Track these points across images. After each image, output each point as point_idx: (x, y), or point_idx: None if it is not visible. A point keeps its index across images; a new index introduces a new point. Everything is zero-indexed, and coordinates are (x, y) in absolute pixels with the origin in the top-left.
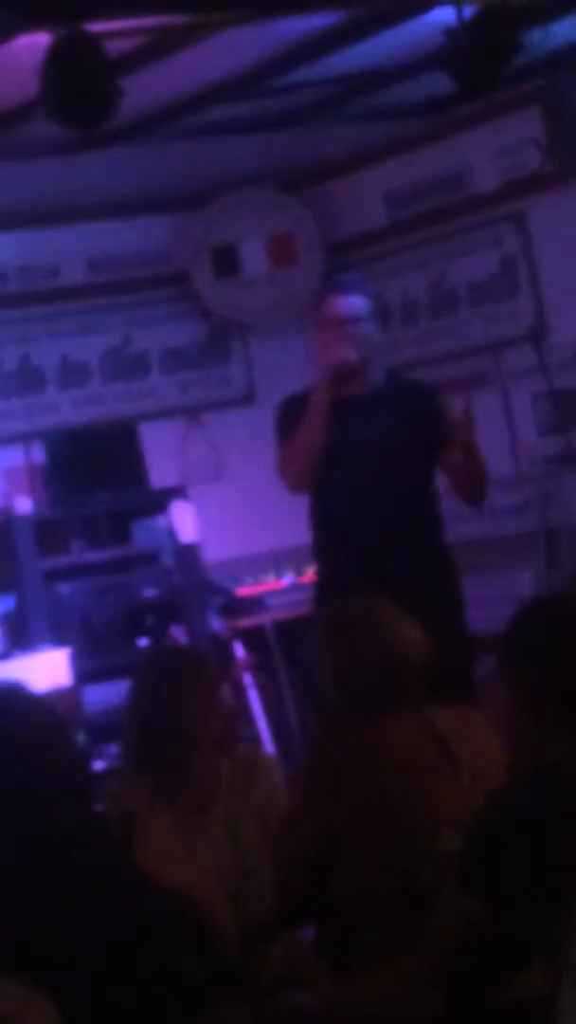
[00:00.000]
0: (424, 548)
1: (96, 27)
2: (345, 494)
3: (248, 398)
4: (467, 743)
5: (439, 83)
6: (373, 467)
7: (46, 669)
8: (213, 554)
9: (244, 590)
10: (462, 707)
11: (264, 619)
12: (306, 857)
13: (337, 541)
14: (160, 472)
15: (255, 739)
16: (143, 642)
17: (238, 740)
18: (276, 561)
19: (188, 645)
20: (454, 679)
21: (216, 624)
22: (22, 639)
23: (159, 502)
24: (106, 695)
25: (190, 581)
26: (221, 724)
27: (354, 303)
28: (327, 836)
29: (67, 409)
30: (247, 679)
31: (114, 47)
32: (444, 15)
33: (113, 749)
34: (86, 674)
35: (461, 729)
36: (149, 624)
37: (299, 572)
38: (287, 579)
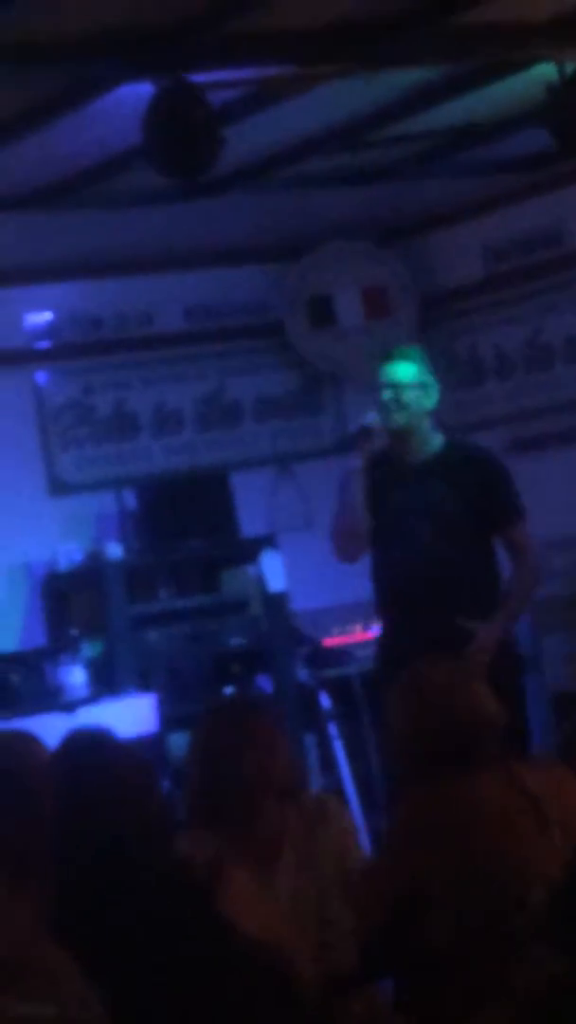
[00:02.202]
0: (477, 611)
1: (199, 77)
2: (399, 557)
3: (339, 448)
4: (556, 798)
5: (539, 138)
6: (427, 531)
7: (133, 715)
8: (301, 603)
9: (331, 640)
10: (551, 763)
11: (350, 670)
12: (391, 910)
13: (392, 603)
14: (250, 521)
15: (339, 790)
16: (229, 690)
17: (303, 788)
18: (363, 612)
19: (246, 695)
20: (509, 738)
21: (303, 674)
22: (109, 684)
23: (249, 551)
24: None
25: (278, 630)
26: (283, 772)
27: (400, 371)
28: (413, 890)
29: (160, 456)
30: (332, 729)
31: (215, 97)
32: (546, 71)
33: None
34: (172, 721)
35: (550, 784)
36: (236, 672)
37: None
38: (374, 630)
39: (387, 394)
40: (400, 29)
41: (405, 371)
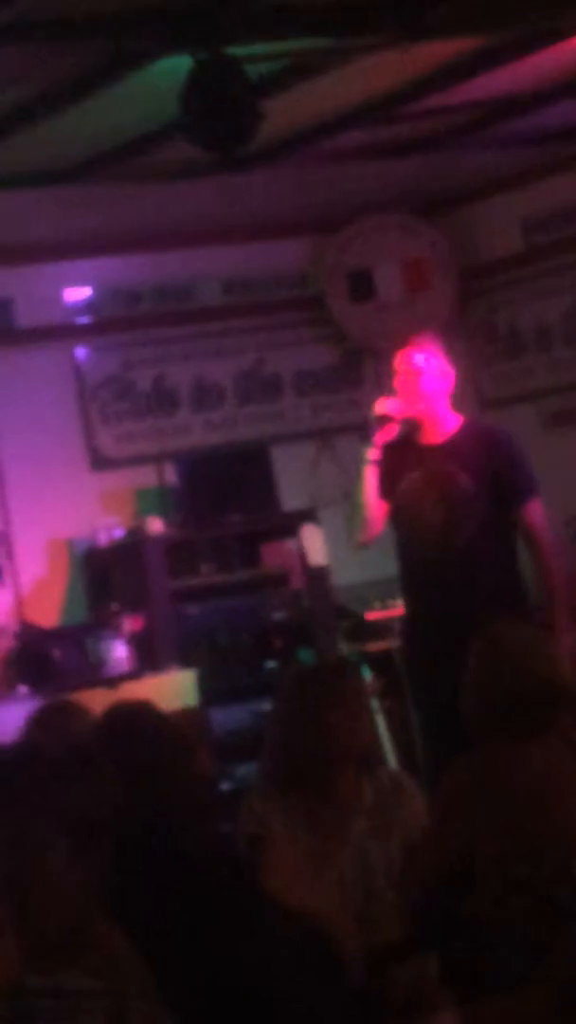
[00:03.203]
0: (494, 587)
1: (236, 50)
2: (415, 538)
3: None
4: None
5: None
6: (441, 513)
7: (174, 689)
8: (342, 577)
9: (372, 614)
10: None
11: (392, 643)
12: (438, 879)
13: (412, 579)
14: (291, 495)
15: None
16: (271, 664)
17: (380, 761)
18: None
19: (336, 659)
20: None
21: (344, 648)
22: (151, 659)
23: (289, 525)
24: (233, 716)
25: (319, 604)
26: (365, 740)
27: (416, 357)
28: (460, 859)
29: (200, 431)
30: (374, 703)
31: (253, 70)
32: None
33: (240, 770)
34: (214, 695)
35: None
36: (277, 646)
37: None
38: None
39: (404, 381)
40: (437, 0)
41: (421, 357)
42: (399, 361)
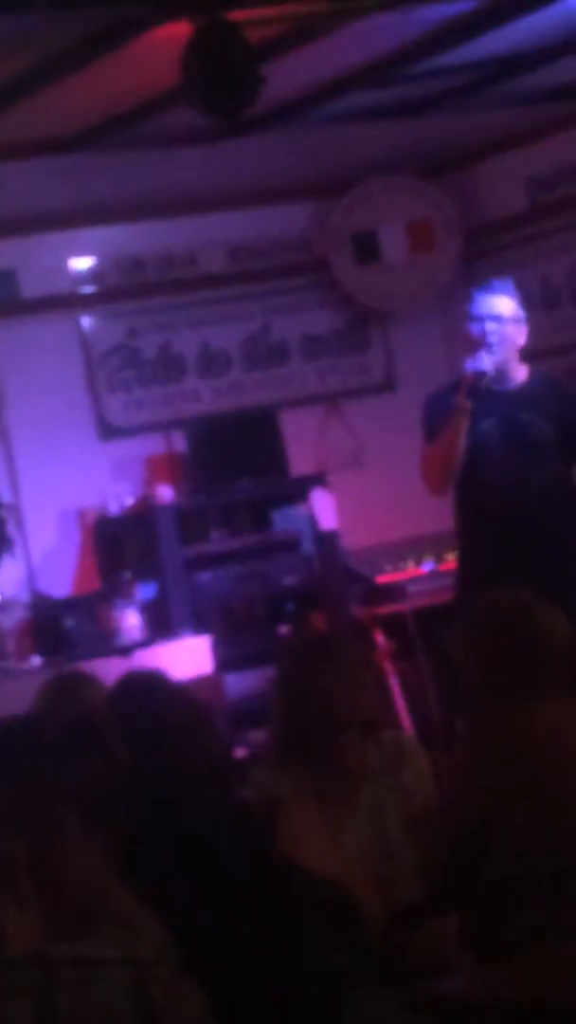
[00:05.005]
0: (565, 535)
1: (237, 15)
2: (487, 484)
3: (388, 385)
4: None
5: None
6: (518, 459)
7: (188, 656)
8: (353, 541)
9: (384, 577)
10: None
11: (404, 606)
12: (456, 842)
13: (478, 529)
14: (300, 460)
15: (395, 726)
16: (283, 629)
17: (384, 726)
18: (416, 548)
19: (330, 630)
20: None
21: (356, 611)
22: (164, 626)
23: (299, 490)
24: (247, 682)
25: (330, 569)
26: (368, 708)
27: (495, 304)
28: (478, 821)
29: (207, 397)
30: (387, 667)
31: (254, 35)
32: None
33: (254, 736)
34: (227, 661)
35: None
36: (289, 611)
37: (439, 559)
38: (427, 566)
39: (488, 327)
40: None
41: (503, 304)
42: (481, 305)
